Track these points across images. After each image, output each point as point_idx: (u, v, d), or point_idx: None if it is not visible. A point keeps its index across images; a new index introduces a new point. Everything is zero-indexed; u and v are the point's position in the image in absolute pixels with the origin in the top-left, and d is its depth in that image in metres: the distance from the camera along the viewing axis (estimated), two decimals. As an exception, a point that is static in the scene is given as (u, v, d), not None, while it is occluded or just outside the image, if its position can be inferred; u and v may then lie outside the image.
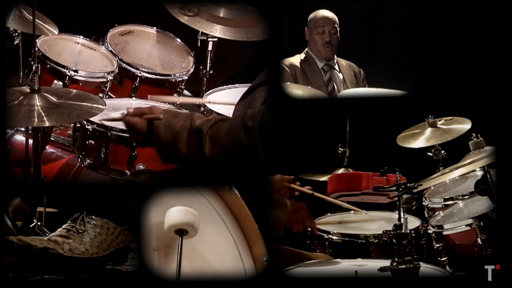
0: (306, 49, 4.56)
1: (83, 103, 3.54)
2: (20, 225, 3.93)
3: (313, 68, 4.51)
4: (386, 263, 2.85)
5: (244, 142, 3.13)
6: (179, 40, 5.04)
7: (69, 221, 3.59)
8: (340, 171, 4.60)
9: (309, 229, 3.50)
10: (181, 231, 2.86)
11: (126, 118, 3.33)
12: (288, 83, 4.20)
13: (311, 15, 4.54)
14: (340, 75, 4.56)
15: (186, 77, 4.77)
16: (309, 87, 4.31)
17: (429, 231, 3.88)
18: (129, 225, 3.59)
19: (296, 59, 4.53)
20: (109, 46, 4.76)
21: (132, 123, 3.31)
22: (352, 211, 4.13)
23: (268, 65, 3.52)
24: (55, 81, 4.43)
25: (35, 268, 3.42)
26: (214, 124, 3.20)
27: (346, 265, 3.10)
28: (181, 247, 2.83)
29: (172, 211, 2.87)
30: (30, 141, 3.71)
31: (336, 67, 4.57)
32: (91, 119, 3.85)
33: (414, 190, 3.06)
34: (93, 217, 3.53)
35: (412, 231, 3.78)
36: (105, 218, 3.52)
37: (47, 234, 4.09)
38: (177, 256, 2.82)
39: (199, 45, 4.92)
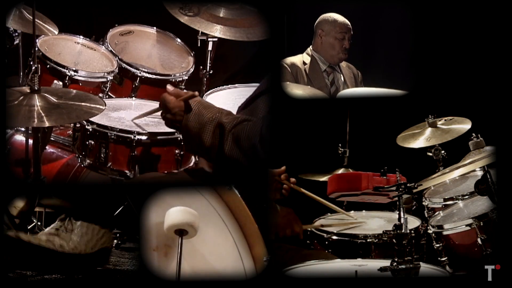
0: (309, 50, 4.55)
1: (82, 103, 3.54)
2: (18, 222, 3.94)
3: (316, 70, 4.51)
4: (386, 263, 2.85)
5: (257, 149, 3.15)
6: (179, 40, 5.04)
7: (57, 221, 3.64)
8: (340, 171, 4.60)
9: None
10: (181, 231, 2.86)
11: (163, 95, 3.36)
12: (288, 83, 4.20)
13: (328, 18, 4.52)
14: (342, 77, 4.56)
15: (186, 77, 4.77)
16: (309, 87, 4.30)
17: (429, 231, 3.88)
18: (110, 228, 3.66)
19: (297, 59, 4.52)
20: (109, 46, 4.76)
21: (167, 100, 3.34)
22: (351, 212, 4.14)
23: (269, 73, 3.53)
24: (55, 81, 4.43)
25: (28, 263, 3.45)
26: (238, 124, 3.21)
27: (346, 265, 3.10)
28: (181, 247, 2.84)
29: (172, 211, 2.87)
30: (30, 141, 3.70)
31: (338, 68, 4.57)
32: (91, 119, 3.85)
33: (414, 190, 3.06)
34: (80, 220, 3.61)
35: (412, 231, 3.78)
36: (90, 222, 3.59)
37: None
38: (177, 256, 2.82)
39: (199, 45, 4.91)
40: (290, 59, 4.49)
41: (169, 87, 3.41)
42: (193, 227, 2.86)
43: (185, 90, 4.65)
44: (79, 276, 3.53)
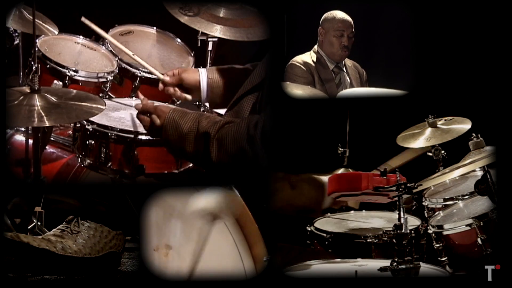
0: (316, 48, 4.55)
1: (82, 103, 3.54)
2: (19, 222, 3.93)
3: (325, 67, 4.51)
4: (386, 263, 2.85)
5: (247, 151, 3.14)
6: (179, 40, 5.04)
7: (64, 223, 3.62)
8: (340, 171, 4.59)
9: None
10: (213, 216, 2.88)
11: (136, 115, 3.48)
12: (288, 83, 4.20)
13: (328, 16, 4.51)
14: (348, 78, 4.56)
15: (186, 77, 4.77)
16: (309, 87, 4.30)
17: (429, 231, 3.88)
18: (123, 231, 3.62)
19: (307, 57, 4.51)
20: (109, 46, 4.76)
21: (140, 119, 3.45)
22: (352, 212, 4.14)
23: (253, 71, 3.54)
24: (55, 81, 4.43)
25: (29, 266, 3.44)
26: (221, 127, 3.22)
27: (346, 265, 3.10)
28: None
29: (206, 197, 2.89)
30: (30, 141, 3.71)
31: (344, 68, 4.57)
32: (91, 119, 3.85)
33: (414, 190, 3.06)
34: (88, 220, 3.56)
35: (412, 231, 3.78)
36: (100, 223, 3.55)
37: (46, 234, 4.10)
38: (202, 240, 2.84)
39: (199, 45, 4.91)
40: (301, 57, 4.48)
41: (137, 105, 3.49)
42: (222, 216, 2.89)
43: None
44: (80, 276, 3.52)
